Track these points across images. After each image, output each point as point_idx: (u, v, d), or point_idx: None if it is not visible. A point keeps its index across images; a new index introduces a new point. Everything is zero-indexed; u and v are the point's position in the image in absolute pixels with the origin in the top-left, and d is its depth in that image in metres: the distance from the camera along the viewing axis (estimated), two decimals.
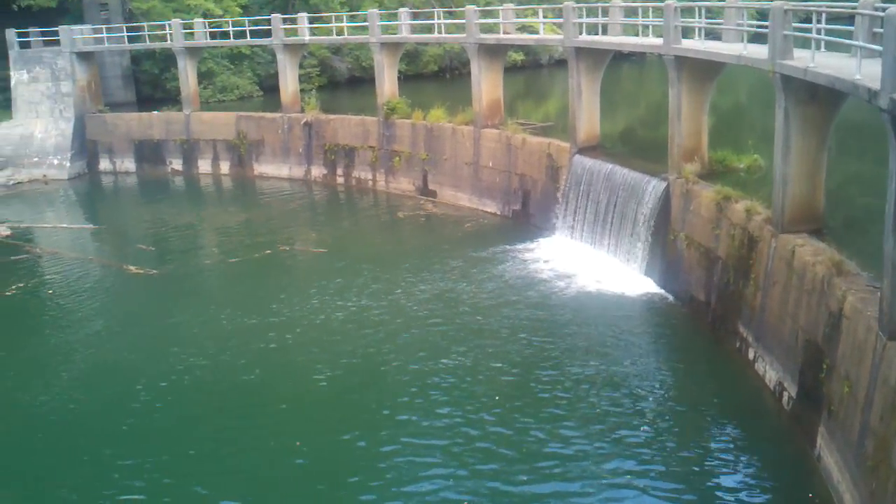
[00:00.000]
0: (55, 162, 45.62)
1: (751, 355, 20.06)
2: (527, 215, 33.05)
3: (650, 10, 28.75)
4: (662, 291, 25.00)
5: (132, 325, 24.72)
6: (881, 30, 14.21)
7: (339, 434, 17.83)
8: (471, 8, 35.52)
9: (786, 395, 17.98)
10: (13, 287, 28.29)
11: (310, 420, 18.79)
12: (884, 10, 14.82)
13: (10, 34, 46.15)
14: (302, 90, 45.52)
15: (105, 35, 47.73)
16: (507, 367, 20.55)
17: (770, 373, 18.94)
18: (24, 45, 46.69)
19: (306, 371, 21.04)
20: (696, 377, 20.06)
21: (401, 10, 41.44)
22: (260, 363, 21.58)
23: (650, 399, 18.78)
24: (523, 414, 18.21)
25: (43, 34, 46.94)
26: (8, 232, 34.82)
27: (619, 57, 46.50)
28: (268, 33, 44.74)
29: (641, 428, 17.50)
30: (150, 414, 19.24)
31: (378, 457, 16.94)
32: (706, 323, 22.61)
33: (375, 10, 40.83)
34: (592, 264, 27.35)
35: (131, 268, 29.48)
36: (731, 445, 16.98)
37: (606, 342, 21.79)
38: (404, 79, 50.62)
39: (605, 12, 30.66)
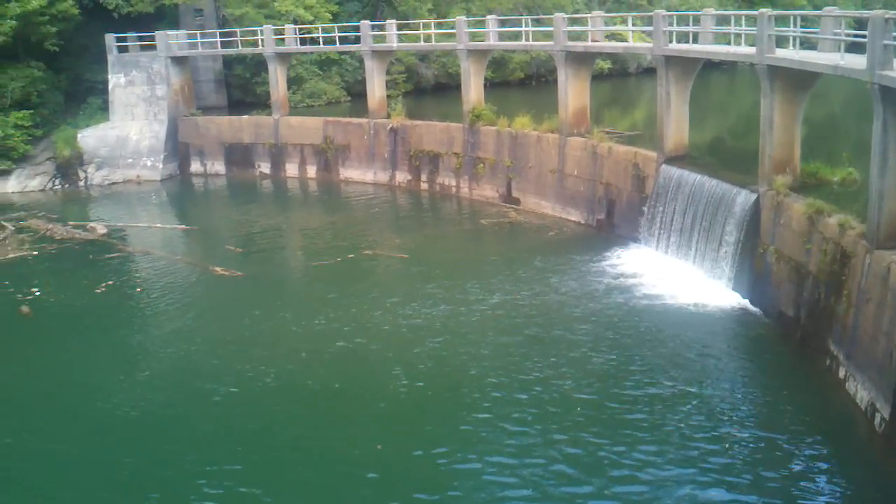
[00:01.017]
0: (148, 163, 46.89)
1: (841, 374, 19.47)
2: (611, 225, 32.71)
3: (743, 18, 28.21)
4: (750, 306, 24.46)
5: (215, 325, 25.17)
6: None
7: (414, 445, 17.87)
8: (559, 15, 35.36)
9: (878, 416, 17.39)
10: (104, 284, 29.13)
11: (385, 429, 18.69)
12: None
13: (110, 39, 47.66)
14: (388, 96, 45.89)
15: (199, 40, 48.95)
16: (586, 381, 20.28)
17: (862, 393, 18.36)
18: (122, 50, 48.19)
19: (383, 377, 21.09)
20: (784, 396, 19.50)
21: (488, 17, 41.47)
22: (338, 368, 21.76)
23: (735, 418, 18.35)
24: (601, 433, 17.88)
25: (140, 39, 48.36)
26: (105, 230, 35.87)
27: (709, 65, 45.78)
28: (356, 40, 45.27)
29: (725, 448, 17.10)
30: (230, 417, 19.43)
31: (452, 473, 16.81)
32: (795, 339, 22.03)
33: (463, 18, 40.93)
34: (677, 276, 26.92)
35: (217, 269, 30.04)
36: (820, 468, 16.47)
37: (690, 357, 21.39)
38: (490, 85, 50.69)
39: (697, 20, 30.20)
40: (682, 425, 18.03)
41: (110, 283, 29.33)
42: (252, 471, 17.10)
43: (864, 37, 19.38)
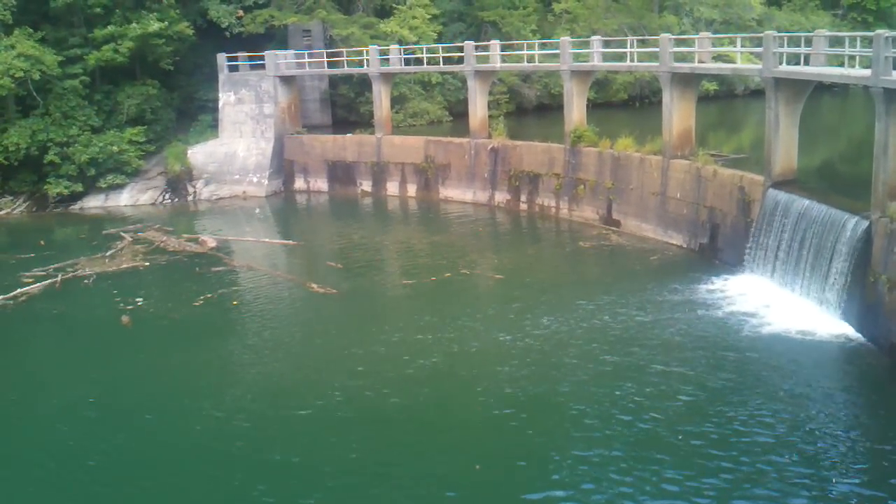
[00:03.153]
0: (254, 179, 48.03)
1: None
2: (714, 250, 32.00)
3: (858, 40, 27.35)
4: (860, 336, 23.55)
5: (304, 343, 25.43)
6: None
7: (506, 467, 17.77)
8: (665, 36, 34.90)
9: None
10: (201, 298, 29.77)
11: (476, 450, 18.60)
12: None
13: (221, 58, 49.15)
14: (490, 116, 46.01)
15: (307, 60, 50.04)
16: (685, 411, 19.81)
17: None
18: (233, 69, 49.61)
19: (472, 398, 21.01)
20: (893, 428, 18.69)
21: (593, 37, 41.21)
22: (425, 389, 21.70)
23: (840, 449, 17.68)
24: (700, 466, 17.38)
25: (250, 59, 49.69)
26: (214, 244, 36.85)
27: (820, 88, 44.50)
28: (460, 60, 45.57)
29: (832, 480, 16.47)
30: (313, 440, 19.37)
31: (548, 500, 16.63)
32: None
33: (567, 38, 40.80)
34: (784, 305, 26.11)
35: (314, 286, 30.37)
36: None
37: (795, 391, 20.64)
38: (592, 106, 50.32)
39: (808, 42, 29.40)
40: (786, 463, 17.36)
41: (209, 296, 29.99)
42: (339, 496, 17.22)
43: None
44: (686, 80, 34.20)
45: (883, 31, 23.98)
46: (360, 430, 19.73)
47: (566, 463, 17.67)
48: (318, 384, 22.17)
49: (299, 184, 49.38)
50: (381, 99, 47.03)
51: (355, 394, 21.50)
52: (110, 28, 45.77)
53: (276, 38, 54.52)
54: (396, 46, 48.41)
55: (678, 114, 34.28)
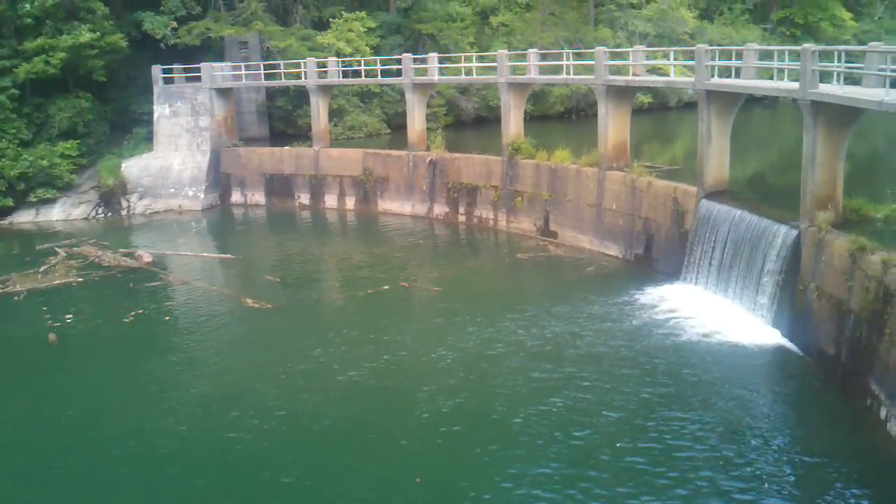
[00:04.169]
0: (190, 193, 47.44)
1: (883, 414, 19.03)
2: (650, 260, 32.45)
3: (786, 53, 28.01)
4: (790, 343, 24.06)
5: (232, 359, 25.00)
6: None
7: (445, 480, 17.78)
8: (600, 49, 35.36)
9: None
10: (133, 314, 29.22)
11: (414, 463, 18.55)
12: None
13: (156, 70, 48.52)
14: (428, 129, 46.10)
15: (243, 72, 49.66)
16: (620, 420, 19.98)
17: None
18: (168, 82, 49.01)
19: (409, 412, 20.91)
20: (823, 435, 19.15)
21: (529, 50, 41.60)
22: (359, 404, 21.52)
23: (773, 454, 18.03)
24: (639, 466, 17.70)
25: (185, 71, 49.15)
26: (150, 258, 36.25)
27: (751, 101, 45.46)
28: (398, 72, 45.64)
29: (763, 488, 16.78)
30: (247, 457, 18.99)
31: None
32: (835, 378, 21.59)
33: (504, 51, 41.11)
34: (717, 312, 26.57)
35: (249, 301, 30.02)
36: None
37: (728, 395, 21.03)
38: (530, 119, 50.71)
39: (739, 55, 30.05)
40: (719, 465, 17.71)
41: (141, 311, 29.48)
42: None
43: None
44: (621, 93, 34.68)
45: (810, 46, 24.62)
46: (295, 447, 19.49)
47: (503, 476, 17.66)
48: (249, 402, 21.72)
49: (236, 197, 48.90)
50: (318, 111, 46.87)
51: (288, 410, 21.19)
52: (41, 39, 44.79)
53: (213, 50, 54.04)
54: (334, 59, 48.32)
55: (613, 126, 34.73)
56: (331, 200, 46.53)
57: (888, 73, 21.61)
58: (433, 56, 44.32)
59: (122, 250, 37.59)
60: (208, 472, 18.50)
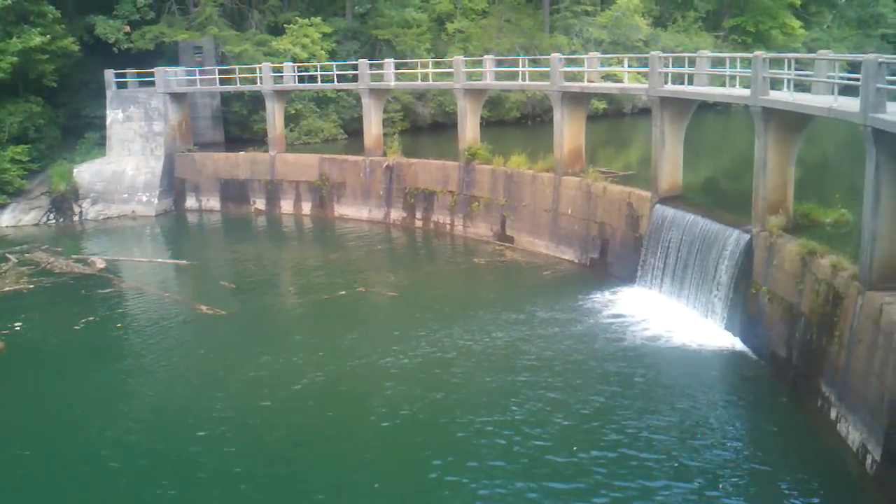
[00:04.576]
0: (144, 198, 46.91)
1: (833, 415, 19.37)
2: (605, 264, 32.72)
3: (738, 60, 28.43)
4: (743, 346, 24.40)
5: (187, 368, 24.68)
6: None
7: (404, 486, 17.77)
8: (556, 56, 35.61)
9: (869, 457, 17.28)
10: (84, 321, 28.80)
11: (372, 469, 18.45)
12: None
13: (109, 75, 47.90)
14: (385, 134, 46.08)
15: (198, 77, 49.25)
16: (577, 421, 20.16)
17: (853, 434, 18.25)
18: (121, 86, 48.40)
19: (365, 418, 20.84)
20: (775, 437, 19.43)
21: (485, 56, 41.79)
22: (316, 408, 21.47)
23: (726, 457, 18.25)
24: (593, 475, 17.78)
25: (139, 75, 48.62)
26: (103, 265, 35.77)
27: (704, 107, 45.90)
28: (354, 78, 45.58)
29: (717, 484, 17.00)
30: (198, 467, 18.76)
31: None
32: (787, 380, 21.94)
33: (460, 58, 41.22)
34: (671, 316, 26.86)
35: (203, 307, 29.75)
36: None
37: (682, 398, 21.27)
38: (486, 124, 50.89)
39: (692, 62, 30.44)
40: (673, 466, 17.92)
41: (92, 318, 29.06)
42: None
43: (857, 80, 19.53)
44: (576, 99, 34.96)
45: (761, 53, 25.02)
46: (250, 455, 19.26)
47: (460, 483, 17.67)
48: (201, 410, 21.45)
49: (191, 202, 48.46)
50: (274, 116, 46.64)
51: (242, 419, 20.96)
52: None
53: (167, 54, 53.45)
54: (290, 64, 48.10)
55: (569, 132, 34.98)
56: (287, 206, 46.29)
57: (836, 81, 22.08)
58: (389, 62, 44.35)
59: (74, 256, 37.06)
60: (159, 483, 18.18)
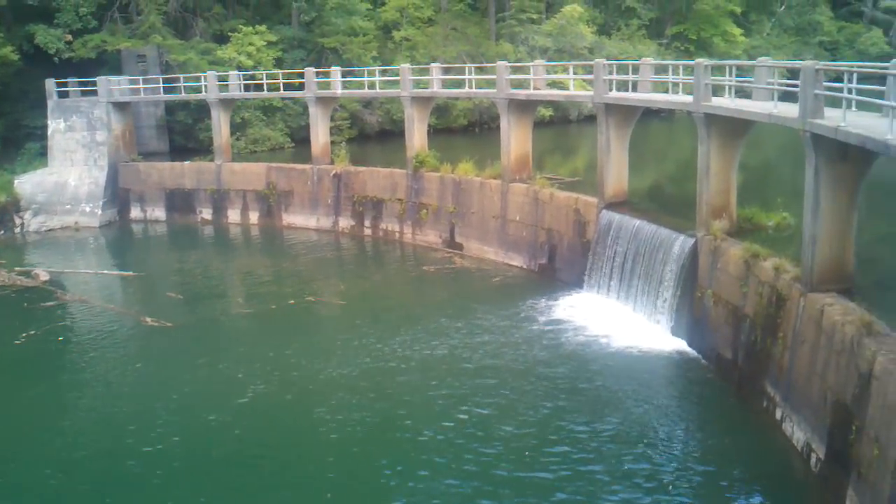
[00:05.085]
0: (87, 209, 46.18)
1: (778, 415, 19.72)
2: (553, 270, 32.95)
3: (680, 68, 28.87)
4: (689, 349, 24.72)
5: (130, 381, 24.16)
6: None
7: (356, 496, 17.68)
8: (502, 64, 35.84)
9: (814, 456, 17.62)
10: (24, 335, 28.22)
11: (323, 480, 18.33)
12: None
13: (50, 84, 47.11)
14: (332, 142, 45.95)
15: (141, 86, 48.65)
16: (525, 429, 20.19)
17: (798, 434, 18.60)
18: (63, 95, 47.63)
19: (314, 428, 20.71)
20: (722, 438, 19.70)
21: (432, 65, 41.89)
22: (265, 420, 21.26)
23: (675, 460, 18.47)
24: (542, 478, 17.89)
25: (81, 85, 47.90)
26: (47, 277, 35.12)
27: (649, 113, 46.58)
28: (301, 86, 45.39)
29: (666, 487, 17.20)
30: (143, 484, 18.36)
31: None
32: (733, 382, 22.29)
33: (407, 66, 41.27)
34: (618, 321, 27.13)
35: (148, 319, 29.32)
36: None
37: (630, 401, 21.48)
38: (434, 132, 51.01)
39: (636, 70, 30.84)
40: (623, 467, 18.09)
41: (33, 332, 28.46)
42: None
43: (796, 86, 19.97)
44: (523, 107, 35.20)
45: (703, 60, 25.45)
46: (196, 471, 19.01)
47: (410, 492, 17.64)
48: (145, 424, 21.04)
49: (136, 213, 47.80)
50: (220, 125, 46.24)
51: (187, 432, 20.66)
52: None
53: (109, 63, 52.74)
54: (235, 72, 47.74)
55: (516, 139, 35.21)
56: (234, 215, 45.91)
57: (776, 87, 22.52)
58: (336, 70, 44.27)
59: (17, 269, 36.30)
60: (100, 501, 17.85)
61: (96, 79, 47.41)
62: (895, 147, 14.50)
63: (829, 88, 19.62)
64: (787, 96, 22.41)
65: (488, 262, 35.63)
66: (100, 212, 46.24)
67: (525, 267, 34.34)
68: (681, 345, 25.03)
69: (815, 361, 18.11)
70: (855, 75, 18.29)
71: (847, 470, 15.89)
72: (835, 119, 18.22)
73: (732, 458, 18.47)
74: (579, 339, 25.91)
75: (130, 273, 36.45)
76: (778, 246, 22.79)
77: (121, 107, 47.93)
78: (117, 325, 29.42)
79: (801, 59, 30.55)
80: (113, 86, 47.56)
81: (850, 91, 18.15)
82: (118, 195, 47.63)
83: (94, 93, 47.24)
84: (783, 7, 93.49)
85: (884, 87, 17.35)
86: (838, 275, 19.19)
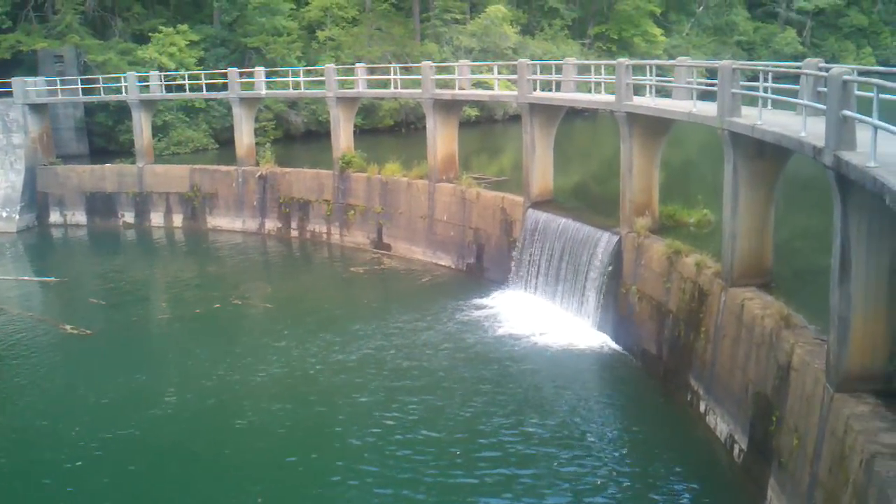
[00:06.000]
0: (3, 214, 44.93)
1: (702, 408, 20.13)
2: (481, 269, 33.11)
3: (602, 67, 29.25)
4: (615, 345, 25.08)
5: (45, 393, 23.35)
6: (825, 89, 14.61)
7: (290, 500, 17.50)
8: (427, 64, 35.90)
9: (737, 447, 18.02)
10: None
11: (256, 486, 18.02)
12: (827, 70, 15.26)
13: None
14: (257, 143, 45.46)
15: (59, 87, 47.50)
16: (455, 427, 20.21)
17: (721, 426, 19.00)
18: None
19: (242, 434, 20.37)
20: (647, 431, 20.00)
21: (357, 65, 41.75)
22: (189, 428, 20.84)
23: (602, 454, 18.70)
24: (472, 475, 17.94)
25: None
26: None
27: (573, 113, 47.15)
28: (224, 87, 44.82)
29: (595, 483, 17.41)
30: (66, 495, 17.87)
31: None
32: (658, 376, 22.69)
33: (332, 66, 41.05)
34: (546, 318, 27.38)
35: (67, 327, 28.53)
36: (683, 499, 16.92)
37: (557, 397, 21.70)
38: (360, 133, 50.85)
39: (559, 69, 31.16)
40: (551, 462, 18.26)
41: None
42: None
43: (714, 85, 20.41)
44: (448, 107, 35.30)
45: (624, 60, 25.83)
46: (115, 483, 18.41)
47: (339, 497, 17.55)
48: (61, 436, 20.35)
49: (55, 217, 46.62)
50: (141, 127, 45.39)
51: (106, 443, 20.04)
52: None
53: (25, 63, 51.48)
54: (157, 73, 46.92)
55: (442, 139, 35.29)
56: (157, 218, 45.10)
57: (695, 87, 22.98)
58: (260, 70, 43.82)
59: None
60: None
61: (11, 80, 46.11)
62: (808, 145, 14.90)
63: (746, 87, 20.10)
64: (705, 95, 22.87)
65: (417, 262, 35.64)
66: (17, 217, 45.01)
67: (453, 267, 34.44)
68: (607, 341, 25.37)
69: (736, 355, 18.53)
70: (770, 75, 18.74)
71: (768, 460, 16.29)
72: (751, 117, 18.65)
73: (658, 453, 18.76)
74: (506, 336, 26.07)
75: (51, 279, 35.56)
76: (699, 242, 23.27)
77: (38, 109, 46.68)
78: (34, 333, 28.51)
79: (719, 59, 31.18)
80: (29, 87, 46.29)
81: (765, 90, 18.60)
82: (36, 199, 46.40)
83: (10, 94, 45.93)
84: (701, 8, 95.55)
85: (798, 87, 17.86)
86: (757, 269, 19.65)
